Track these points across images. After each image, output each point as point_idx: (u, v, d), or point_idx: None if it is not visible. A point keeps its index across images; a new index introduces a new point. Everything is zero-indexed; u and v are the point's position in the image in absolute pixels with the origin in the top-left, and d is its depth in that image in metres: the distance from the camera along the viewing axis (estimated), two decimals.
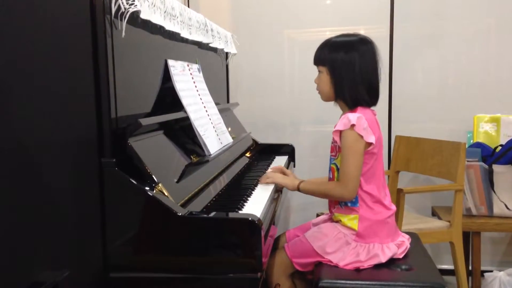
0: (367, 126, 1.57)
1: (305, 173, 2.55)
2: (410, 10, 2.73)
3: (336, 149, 1.65)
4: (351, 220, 1.62)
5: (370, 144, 1.58)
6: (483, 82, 2.71)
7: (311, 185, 1.72)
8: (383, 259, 1.58)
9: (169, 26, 1.54)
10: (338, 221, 1.67)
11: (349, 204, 1.63)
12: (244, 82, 2.90)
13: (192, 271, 1.26)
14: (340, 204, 1.66)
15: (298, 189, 1.73)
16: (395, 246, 1.63)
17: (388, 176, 2.63)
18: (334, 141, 1.65)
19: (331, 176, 1.71)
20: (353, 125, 1.55)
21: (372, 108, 1.67)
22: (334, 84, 1.63)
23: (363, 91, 1.61)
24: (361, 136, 1.55)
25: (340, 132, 1.59)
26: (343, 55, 1.61)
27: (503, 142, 2.45)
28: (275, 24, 2.85)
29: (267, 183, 1.80)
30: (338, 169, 1.65)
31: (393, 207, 1.68)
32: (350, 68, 1.60)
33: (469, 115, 2.62)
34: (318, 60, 1.68)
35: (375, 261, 1.58)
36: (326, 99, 1.70)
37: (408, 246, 1.68)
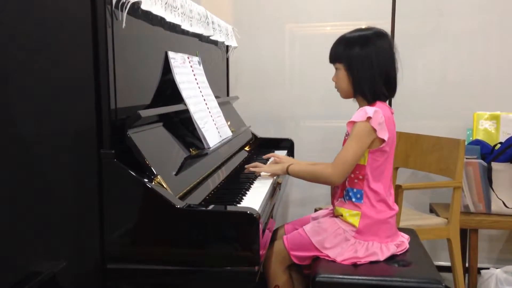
0: (383, 122, 1.56)
1: None
2: (412, 6, 2.72)
3: None
4: (352, 216, 1.62)
5: (382, 141, 1.57)
6: (484, 79, 2.70)
7: (301, 167, 1.71)
8: (381, 257, 1.58)
9: (169, 17, 1.53)
10: (338, 216, 1.67)
11: (353, 200, 1.63)
12: (244, 75, 2.90)
13: (189, 263, 1.26)
14: (344, 198, 1.66)
15: (287, 172, 1.72)
16: (394, 246, 1.62)
17: None
18: (347, 133, 1.64)
19: None
20: (369, 118, 1.54)
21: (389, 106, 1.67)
22: (352, 80, 1.62)
23: (381, 85, 1.60)
24: (375, 130, 1.55)
25: (354, 123, 1.58)
26: (359, 50, 1.60)
27: (503, 139, 2.45)
28: (276, 18, 2.84)
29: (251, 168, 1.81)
30: None
31: (396, 208, 1.67)
32: (367, 63, 1.59)
33: (469, 112, 2.61)
34: (334, 57, 1.66)
35: (373, 259, 1.58)
36: (345, 96, 1.69)
37: (408, 246, 1.68)
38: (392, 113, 1.65)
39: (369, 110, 1.55)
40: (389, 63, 1.61)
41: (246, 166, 1.86)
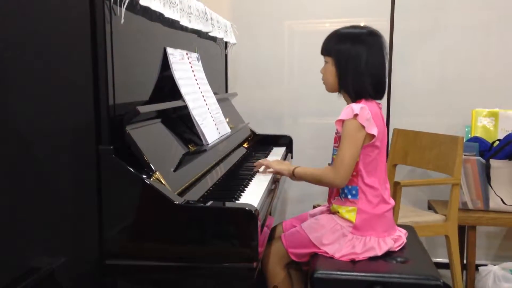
0: (370, 118, 1.56)
1: (303, 165, 2.54)
2: (411, 3, 2.71)
3: (339, 140, 1.65)
4: (349, 212, 1.62)
5: (372, 136, 1.58)
6: (482, 76, 2.70)
7: (306, 170, 1.71)
8: (379, 252, 1.59)
9: (168, 13, 1.53)
10: (335, 213, 1.67)
11: (349, 197, 1.63)
12: (243, 72, 2.89)
13: (188, 259, 1.26)
14: (340, 195, 1.66)
15: (293, 174, 1.73)
16: (391, 241, 1.63)
17: None
18: (337, 132, 1.65)
19: None
20: (356, 115, 1.54)
21: (378, 101, 1.67)
22: (339, 75, 1.63)
23: (368, 84, 1.60)
24: (363, 127, 1.55)
25: (343, 121, 1.58)
26: (349, 46, 1.60)
27: (501, 136, 2.46)
28: (275, 14, 2.84)
29: (263, 167, 1.81)
30: None
31: (392, 202, 1.68)
32: (355, 60, 1.59)
33: (468, 109, 2.61)
34: (325, 50, 1.67)
35: (370, 254, 1.58)
36: (330, 90, 1.70)
37: (405, 240, 1.68)
38: (380, 108, 1.65)
39: (355, 107, 1.55)
40: (378, 64, 1.61)
41: (255, 163, 1.86)
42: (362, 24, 1.71)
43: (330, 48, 1.65)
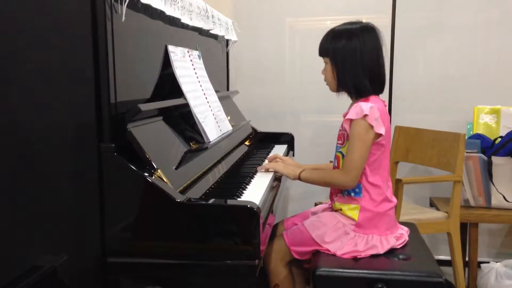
0: (379, 117, 1.55)
1: (304, 162, 2.54)
2: (413, 0, 2.71)
3: (344, 137, 1.64)
4: (351, 210, 1.62)
5: (379, 135, 1.57)
6: (484, 73, 2.70)
7: (312, 174, 1.71)
8: (381, 250, 1.59)
9: (169, 11, 1.52)
10: (338, 210, 1.67)
11: (352, 194, 1.63)
12: (244, 70, 2.89)
13: (189, 257, 1.26)
14: (343, 193, 1.66)
15: (299, 178, 1.73)
16: (394, 239, 1.63)
17: None
18: (342, 129, 1.64)
19: (336, 164, 1.71)
20: (365, 115, 1.54)
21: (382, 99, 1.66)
22: (337, 74, 1.62)
23: (365, 80, 1.59)
24: (372, 127, 1.55)
25: (351, 120, 1.58)
26: (344, 43, 1.59)
27: (503, 133, 2.45)
28: (276, 12, 2.83)
29: (268, 169, 1.79)
30: (343, 157, 1.64)
31: (394, 200, 1.68)
32: (351, 57, 1.58)
33: (470, 106, 2.61)
34: (322, 51, 1.66)
35: (373, 252, 1.58)
36: (333, 89, 1.69)
37: (407, 239, 1.68)
38: (385, 106, 1.65)
39: (364, 106, 1.54)
40: (374, 58, 1.60)
41: (262, 166, 1.84)
42: (364, 20, 1.70)
43: (327, 48, 1.64)
